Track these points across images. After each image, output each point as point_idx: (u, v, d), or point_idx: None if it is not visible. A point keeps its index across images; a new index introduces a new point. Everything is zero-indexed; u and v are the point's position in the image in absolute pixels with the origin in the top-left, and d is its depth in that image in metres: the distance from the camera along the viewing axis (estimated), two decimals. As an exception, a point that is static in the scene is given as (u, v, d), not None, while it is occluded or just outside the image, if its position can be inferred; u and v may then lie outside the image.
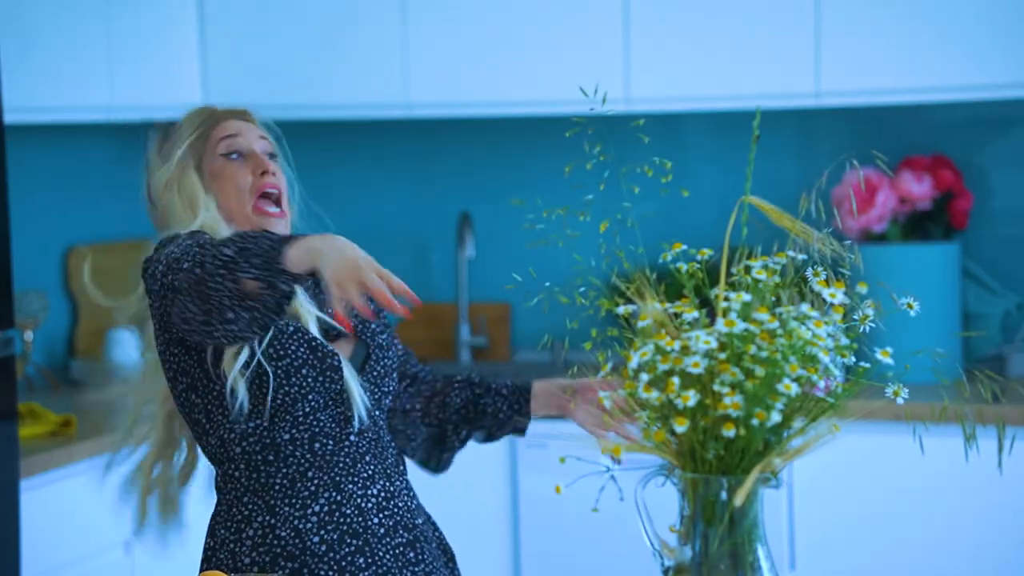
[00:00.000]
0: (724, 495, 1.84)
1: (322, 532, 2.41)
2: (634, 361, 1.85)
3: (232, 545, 2.43)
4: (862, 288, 1.91)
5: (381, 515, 2.45)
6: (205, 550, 2.47)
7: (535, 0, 4.27)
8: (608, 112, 2.25)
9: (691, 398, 1.80)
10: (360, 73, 4.36)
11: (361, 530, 2.42)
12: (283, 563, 2.39)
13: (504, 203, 4.60)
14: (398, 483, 2.50)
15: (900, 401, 1.88)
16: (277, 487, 2.42)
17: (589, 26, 4.23)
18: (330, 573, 2.39)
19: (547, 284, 2.42)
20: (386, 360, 2.52)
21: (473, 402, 2.66)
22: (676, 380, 1.81)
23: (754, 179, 2.00)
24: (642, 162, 2.08)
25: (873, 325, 1.90)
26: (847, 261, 1.94)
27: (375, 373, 2.50)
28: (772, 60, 4.09)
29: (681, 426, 1.80)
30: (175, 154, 2.52)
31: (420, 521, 2.51)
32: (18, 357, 4.15)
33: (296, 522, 2.41)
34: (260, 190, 2.47)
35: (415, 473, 2.68)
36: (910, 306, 1.92)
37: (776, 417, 1.79)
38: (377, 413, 2.49)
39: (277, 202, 2.49)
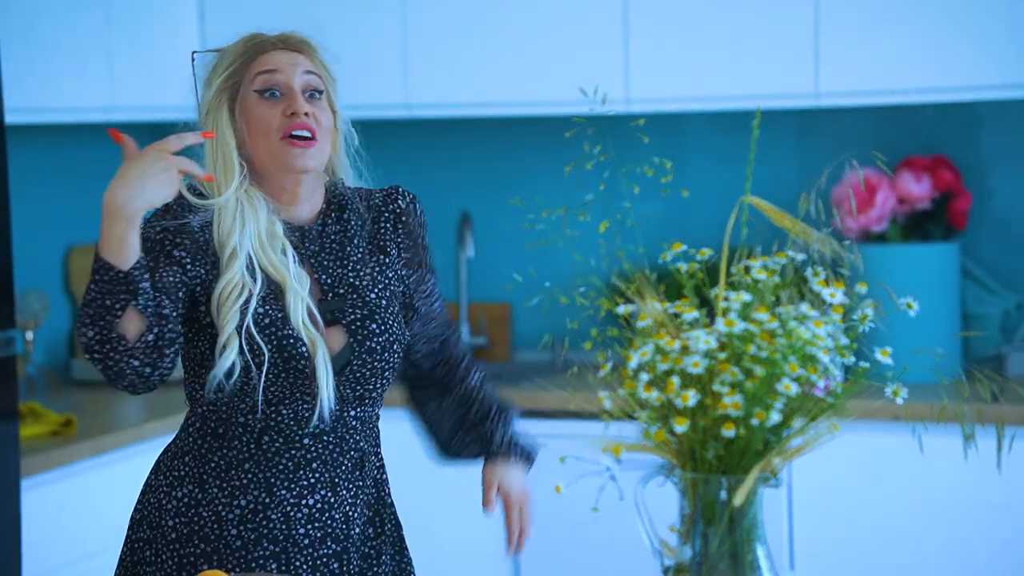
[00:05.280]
0: (724, 495, 1.84)
1: (241, 528, 2.36)
2: (634, 361, 1.86)
3: (162, 499, 2.41)
4: (861, 288, 1.91)
5: (311, 526, 2.38)
6: (143, 488, 2.48)
7: (535, 0, 4.27)
8: (608, 112, 2.26)
9: (691, 398, 1.81)
10: (360, 73, 4.36)
11: (282, 538, 2.37)
12: (197, 542, 2.36)
13: (504, 203, 4.58)
14: (344, 492, 2.41)
15: (899, 401, 1.88)
16: (213, 465, 2.39)
17: (589, 26, 4.23)
18: (238, 567, 2.36)
19: (547, 284, 2.42)
20: (375, 363, 2.41)
21: (461, 418, 2.64)
22: (676, 380, 1.82)
23: (754, 179, 2.00)
24: (642, 162, 2.08)
25: (872, 325, 1.91)
26: (847, 261, 1.95)
27: (358, 375, 2.40)
28: (772, 60, 4.09)
29: (681, 426, 1.81)
30: (214, 84, 2.46)
31: (356, 531, 2.42)
32: (19, 357, 4.15)
33: (220, 508, 2.37)
34: (287, 132, 2.36)
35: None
36: (909, 306, 1.92)
37: (776, 417, 1.80)
38: (352, 414, 2.41)
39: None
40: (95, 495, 3.64)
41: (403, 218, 2.51)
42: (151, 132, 4.82)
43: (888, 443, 3.76)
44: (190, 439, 2.43)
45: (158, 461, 2.48)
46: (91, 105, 4.11)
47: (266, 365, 2.32)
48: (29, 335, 4.26)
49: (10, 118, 3.50)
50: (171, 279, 2.30)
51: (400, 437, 2.86)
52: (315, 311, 2.36)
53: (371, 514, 2.47)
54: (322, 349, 2.34)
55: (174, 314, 2.27)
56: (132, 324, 2.21)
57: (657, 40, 4.18)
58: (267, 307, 2.34)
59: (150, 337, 2.23)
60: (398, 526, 2.54)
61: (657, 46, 4.18)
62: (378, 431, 2.51)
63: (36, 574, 3.43)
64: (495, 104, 4.35)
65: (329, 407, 2.35)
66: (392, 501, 2.53)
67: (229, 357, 2.31)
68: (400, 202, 2.52)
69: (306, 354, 2.34)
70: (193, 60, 2.54)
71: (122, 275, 2.19)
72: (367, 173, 2.54)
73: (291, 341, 2.33)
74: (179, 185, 2.27)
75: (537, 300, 4.41)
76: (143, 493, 2.48)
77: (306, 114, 2.36)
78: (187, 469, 2.41)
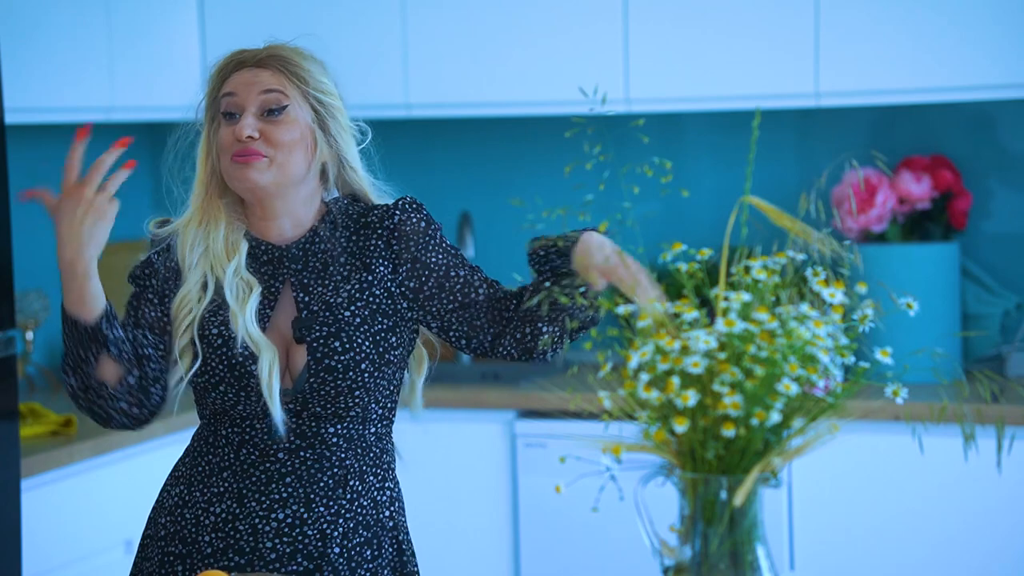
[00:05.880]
0: (724, 495, 1.84)
1: (212, 535, 2.39)
2: (634, 361, 1.86)
3: (163, 496, 2.47)
4: (861, 288, 1.91)
5: (279, 540, 2.37)
6: (165, 482, 2.51)
7: (535, 0, 4.27)
8: (608, 112, 2.26)
9: (691, 398, 1.81)
10: (360, 73, 4.36)
11: (249, 550, 2.38)
12: (177, 543, 2.40)
13: (504, 203, 4.60)
14: (322, 509, 2.39)
15: (899, 401, 1.88)
16: (200, 469, 2.43)
17: (589, 26, 4.23)
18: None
19: (547, 284, 2.42)
20: (336, 381, 2.37)
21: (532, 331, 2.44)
22: (676, 380, 1.82)
23: (754, 179, 2.00)
24: (642, 162, 2.08)
25: (872, 325, 1.91)
26: (847, 261, 1.95)
27: (322, 392, 2.37)
28: (772, 60, 4.09)
29: (681, 426, 1.81)
30: (200, 105, 2.50)
31: (336, 551, 2.39)
32: (19, 357, 4.15)
33: (199, 512, 2.40)
34: (234, 154, 2.38)
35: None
36: (909, 306, 1.92)
37: (776, 417, 1.80)
38: (331, 431, 2.39)
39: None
40: (95, 495, 3.64)
41: (396, 232, 2.45)
42: (151, 132, 4.84)
43: (888, 443, 3.76)
44: (193, 441, 2.48)
45: (179, 459, 2.53)
46: (91, 105, 4.11)
47: (222, 386, 2.36)
48: (29, 335, 4.26)
49: (10, 118, 3.50)
50: (152, 314, 2.40)
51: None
52: (253, 325, 2.37)
53: (368, 535, 2.43)
54: (266, 362, 2.34)
55: (156, 352, 2.35)
56: (110, 370, 2.30)
57: (657, 40, 4.18)
58: (220, 326, 2.39)
59: (131, 380, 2.32)
60: (401, 551, 2.47)
61: (657, 46, 4.18)
62: (382, 451, 2.46)
63: (36, 574, 3.43)
64: (495, 104, 4.34)
65: (280, 420, 2.34)
66: (396, 524, 2.47)
67: (179, 369, 2.38)
68: (396, 216, 2.46)
69: (254, 371, 2.35)
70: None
71: (89, 328, 2.27)
72: (382, 183, 2.54)
73: (240, 360, 2.36)
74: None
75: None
76: (159, 492, 2.53)
77: (251, 136, 2.37)
78: (184, 470, 2.46)
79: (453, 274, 2.45)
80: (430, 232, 2.47)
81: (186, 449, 2.50)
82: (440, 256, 2.46)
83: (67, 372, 2.32)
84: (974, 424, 1.90)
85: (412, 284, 2.44)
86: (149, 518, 2.49)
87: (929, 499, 3.82)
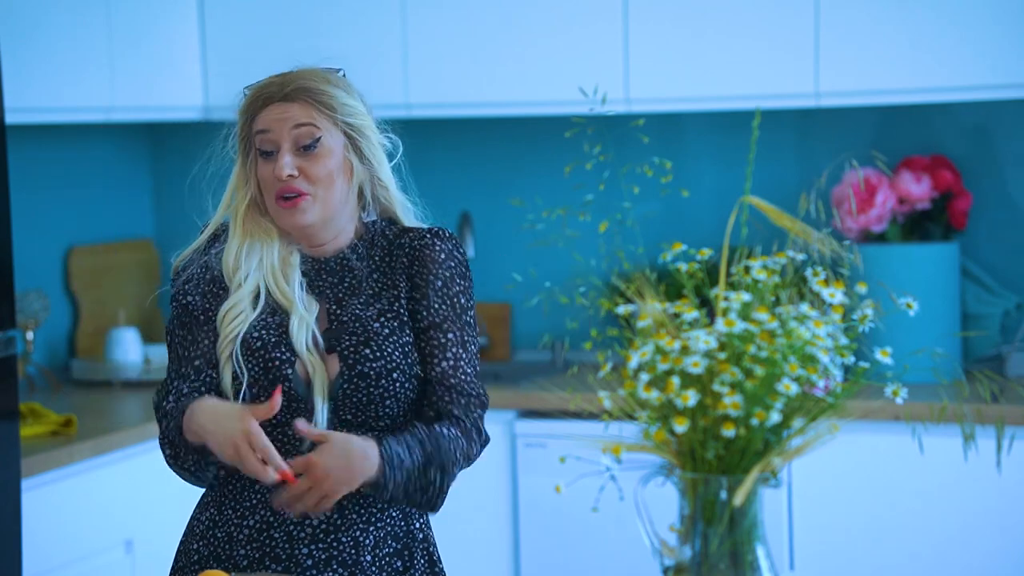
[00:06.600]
0: (724, 495, 1.84)
1: (248, 548, 2.41)
2: (634, 361, 1.86)
3: (194, 521, 2.51)
4: (861, 288, 1.91)
5: (315, 546, 2.39)
6: (194, 512, 2.55)
7: (535, 0, 4.27)
8: (608, 112, 2.26)
9: (691, 398, 1.81)
10: (360, 73, 4.35)
11: (285, 557, 2.40)
12: (212, 562, 2.44)
13: (504, 203, 4.60)
14: (353, 515, 2.40)
15: (899, 401, 1.88)
16: (230, 488, 2.46)
17: (589, 26, 4.23)
18: None
19: (547, 284, 2.42)
20: (369, 388, 2.39)
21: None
22: (676, 380, 1.82)
23: (754, 179, 2.00)
24: (642, 162, 2.08)
25: (872, 325, 1.91)
26: (846, 261, 1.95)
27: (354, 400, 2.39)
28: (772, 60, 4.09)
29: (681, 426, 1.81)
30: (231, 141, 2.51)
31: (368, 559, 2.40)
32: (19, 357, 4.15)
33: (232, 529, 2.44)
34: (277, 195, 2.42)
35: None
36: (909, 306, 1.92)
37: (776, 417, 1.80)
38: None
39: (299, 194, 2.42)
40: (95, 495, 3.64)
41: (418, 253, 2.46)
42: (151, 132, 4.84)
43: (888, 443, 3.76)
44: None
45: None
46: (91, 105, 4.11)
47: (244, 387, 2.38)
48: (29, 335, 4.26)
49: (10, 118, 3.50)
50: (209, 340, 2.44)
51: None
52: (319, 337, 2.41)
53: (399, 547, 2.45)
54: (321, 375, 2.38)
55: None
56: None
57: (657, 40, 4.18)
58: (262, 331, 2.40)
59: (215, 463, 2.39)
60: (432, 563, 2.49)
61: (657, 46, 4.18)
62: None
63: (36, 574, 3.43)
64: (495, 104, 4.35)
65: (322, 413, 2.37)
66: (426, 536, 2.49)
67: (224, 378, 2.40)
68: (426, 239, 2.47)
69: (290, 375, 2.37)
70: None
71: (201, 448, 2.34)
72: (412, 198, 2.55)
73: (276, 364, 2.38)
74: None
75: (537, 300, 4.42)
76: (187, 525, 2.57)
77: (291, 176, 2.41)
78: (212, 495, 2.48)
79: (434, 333, 2.45)
80: (447, 266, 2.46)
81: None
82: (439, 305, 2.45)
83: (164, 444, 2.40)
84: (974, 424, 1.90)
85: (410, 307, 2.46)
86: (179, 550, 2.50)
87: (929, 499, 3.82)
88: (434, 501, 2.38)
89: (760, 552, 1.86)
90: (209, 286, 2.45)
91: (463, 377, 2.44)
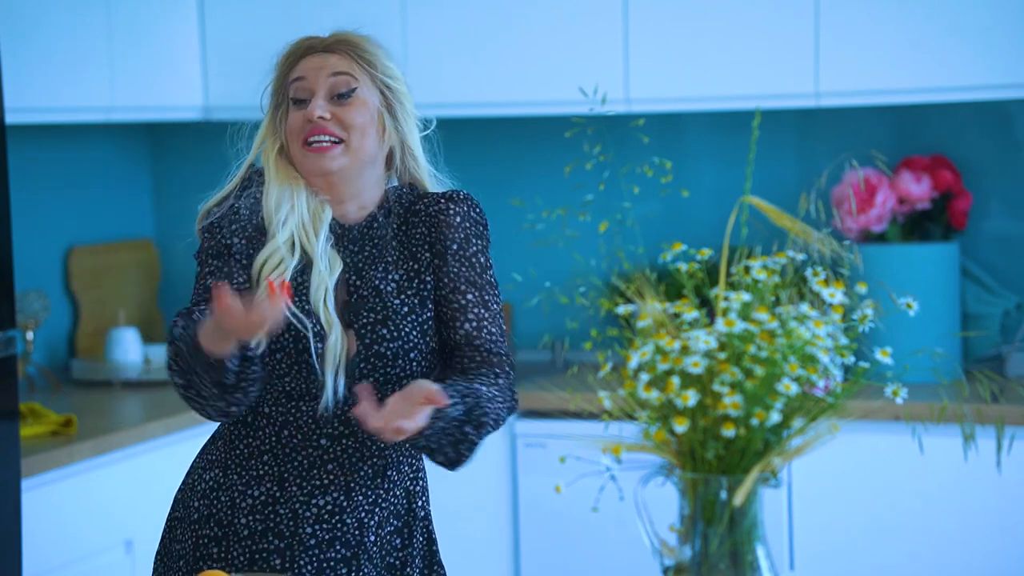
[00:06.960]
0: (724, 495, 1.84)
1: (250, 518, 2.39)
2: (634, 361, 1.86)
3: (195, 480, 2.46)
4: (861, 288, 1.91)
5: (319, 527, 2.38)
6: (191, 466, 2.50)
7: (535, 0, 4.27)
8: (608, 112, 2.26)
9: (691, 398, 1.81)
10: (360, 73, 4.35)
11: (288, 534, 2.38)
12: (212, 525, 2.40)
13: (504, 203, 4.60)
14: (361, 498, 2.41)
15: (899, 401, 1.88)
16: (237, 452, 2.42)
17: (589, 26, 4.23)
18: (241, 557, 2.38)
19: (547, 284, 2.42)
20: (386, 368, 2.38)
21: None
22: (676, 380, 1.82)
23: (754, 179, 2.00)
24: (642, 162, 2.08)
25: (872, 325, 1.91)
26: (846, 261, 1.95)
27: (370, 379, 2.37)
28: (772, 60, 4.09)
29: (681, 426, 1.81)
30: (266, 94, 2.49)
31: (371, 538, 2.41)
32: (19, 357, 4.15)
33: (236, 495, 2.40)
34: (305, 139, 2.38)
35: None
36: (909, 306, 1.92)
37: (776, 417, 1.80)
38: None
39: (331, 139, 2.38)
40: (95, 495, 3.64)
41: (436, 220, 2.45)
42: (151, 132, 4.84)
43: (888, 443, 3.76)
44: (225, 425, 2.46)
45: (205, 444, 2.52)
46: (91, 105, 4.11)
47: (279, 354, 2.34)
48: (29, 335, 4.26)
49: (10, 118, 3.50)
50: (242, 278, 2.36)
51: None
52: (331, 295, 2.35)
53: (399, 524, 2.46)
54: (336, 333, 2.34)
55: (256, 354, 2.30)
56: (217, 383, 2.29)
57: (657, 40, 4.18)
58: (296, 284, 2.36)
59: (230, 383, 2.28)
60: (431, 540, 2.51)
61: (657, 46, 4.18)
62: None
63: (36, 574, 3.43)
64: (495, 104, 4.34)
65: (333, 394, 2.34)
66: (426, 514, 2.51)
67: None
68: (442, 204, 2.47)
69: (319, 348, 2.33)
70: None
71: (216, 361, 2.25)
72: (445, 172, 2.53)
73: (304, 333, 2.34)
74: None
75: (537, 300, 4.42)
76: (186, 474, 2.52)
77: (323, 117, 2.38)
78: (218, 454, 2.45)
79: (454, 297, 2.43)
80: (463, 228, 2.46)
81: (215, 434, 2.49)
82: (457, 268, 2.43)
83: (174, 371, 2.31)
84: (974, 424, 1.90)
85: (431, 277, 2.44)
86: (177, 500, 2.48)
87: (929, 499, 3.82)
88: (463, 456, 2.32)
89: (760, 552, 1.86)
90: (254, 232, 2.39)
91: (488, 336, 2.41)
